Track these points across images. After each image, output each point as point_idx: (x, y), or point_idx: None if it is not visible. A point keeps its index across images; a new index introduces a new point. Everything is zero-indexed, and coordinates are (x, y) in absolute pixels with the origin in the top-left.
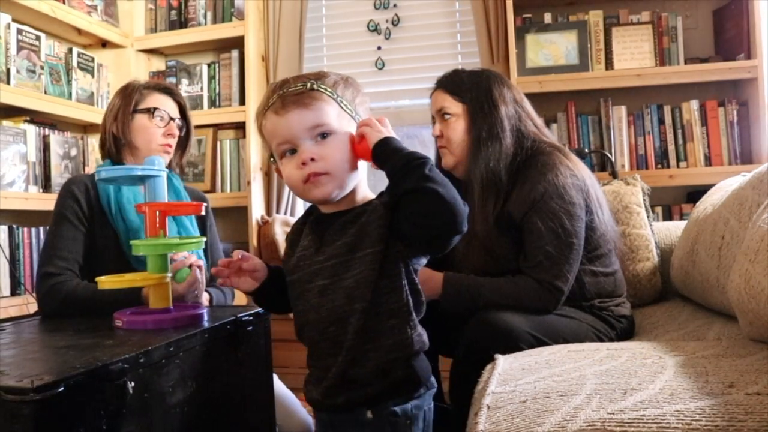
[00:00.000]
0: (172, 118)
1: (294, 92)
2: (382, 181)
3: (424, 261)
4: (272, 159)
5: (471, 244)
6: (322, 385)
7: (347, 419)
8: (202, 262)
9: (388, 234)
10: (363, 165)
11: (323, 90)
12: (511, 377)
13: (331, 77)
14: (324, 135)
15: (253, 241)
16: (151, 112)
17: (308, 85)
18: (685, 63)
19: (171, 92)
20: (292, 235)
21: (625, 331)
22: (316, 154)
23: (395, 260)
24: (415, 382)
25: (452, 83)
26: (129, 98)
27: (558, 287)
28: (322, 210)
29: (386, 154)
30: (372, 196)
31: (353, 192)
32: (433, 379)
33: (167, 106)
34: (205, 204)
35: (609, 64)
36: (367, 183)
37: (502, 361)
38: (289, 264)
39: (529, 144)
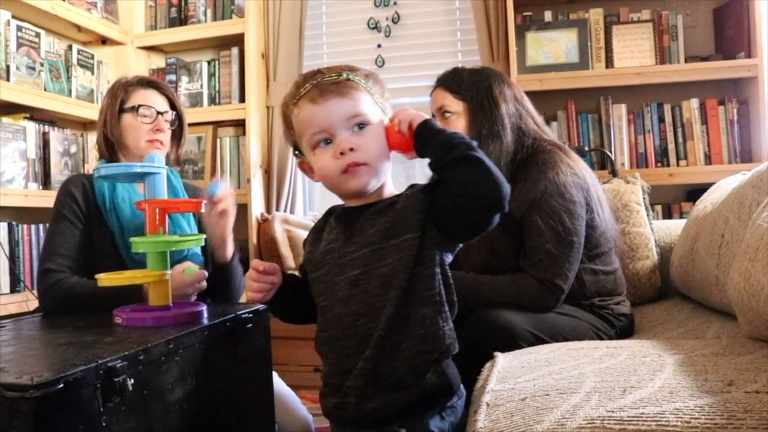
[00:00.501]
0: (160, 113)
1: (330, 81)
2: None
3: (451, 257)
4: (297, 153)
5: (471, 242)
6: (345, 390)
7: None
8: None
9: (426, 220)
10: (392, 158)
11: (358, 81)
12: (510, 375)
13: (362, 71)
14: (361, 125)
15: (253, 238)
16: (135, 110)
17: (344, 75)
18: (686, 61)
19: (157, 86)
20: (314, 233)
21: (624, 330)
22: (355, 144)
23: (430, 247)
24: (447, 390)
25: (452, 81)
26: (114, 98)
27: (558, 285)
28: (348, 204)
29: (431, 134)
30: (396, 191)
31: (382, 186)
32: (462, 386)
33: (154, 101)
34: (204, 201)
35: (609, 62)
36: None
37: (502, 359)
38: (313, 260)
39: (529, 142)
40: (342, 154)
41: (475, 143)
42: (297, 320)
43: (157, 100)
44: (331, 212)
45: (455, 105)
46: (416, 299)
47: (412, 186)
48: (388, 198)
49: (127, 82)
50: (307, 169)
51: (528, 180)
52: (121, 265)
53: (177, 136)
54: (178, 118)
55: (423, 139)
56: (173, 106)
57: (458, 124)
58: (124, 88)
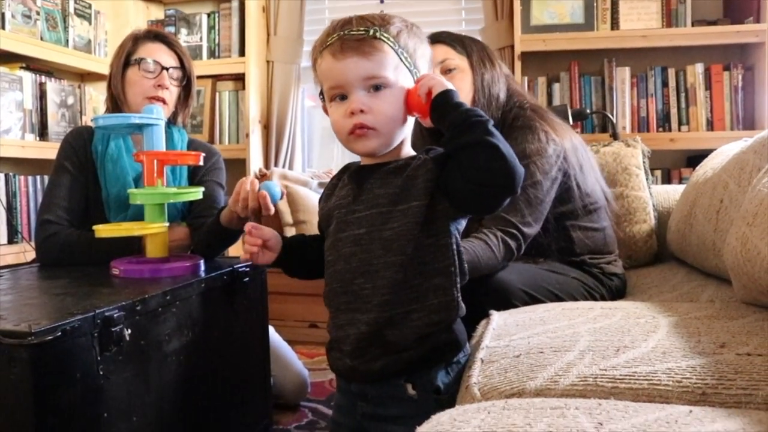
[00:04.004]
0: (165, 68)
1: (355, 37)
2: None
3: (464, 223)
4: (321, 96)
5: None
6: (350, 347)
7: (384, 392)
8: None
9: (435, 189)
10: (410, 120)
11: (385, 39)
12: (505, 332)
13: (395, 25)
14: (378, 87)
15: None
16: (139, 63)
17: (371, 31)
18: (692, 25)
19: (166, 40)
20: (327, 190)
21: (617, 290)
22: (366, 106)
23: (442, 219)
24: (454, 345)
25: (451, 37)
26: (122, 50)
27: (522, 232)
28: (363, 162)
29: (448, 107)
30: (413, 152)
31: (399, 146)
32: (468, 345)
33: (160, 55)
34: (203, 154)
35: (615, 23)
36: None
37: (497, 317)
38: (324, 215)
39: (515, 101)
40: (353, 114)
41: (491, 123)
42: (309, 277)
43: (163, 55)
44: (347, 169)
45: (459, 59)
46: (430, 269)
47: (427, 150)
48: (403, 159)
49: (136, 35)
50: (327, 113)
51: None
52: (107, 219)
53: (184, 96)
54: (187, 77)
55: (440, 110)
56: (183, 64)
57: (465, 77)
58: (133, 39)
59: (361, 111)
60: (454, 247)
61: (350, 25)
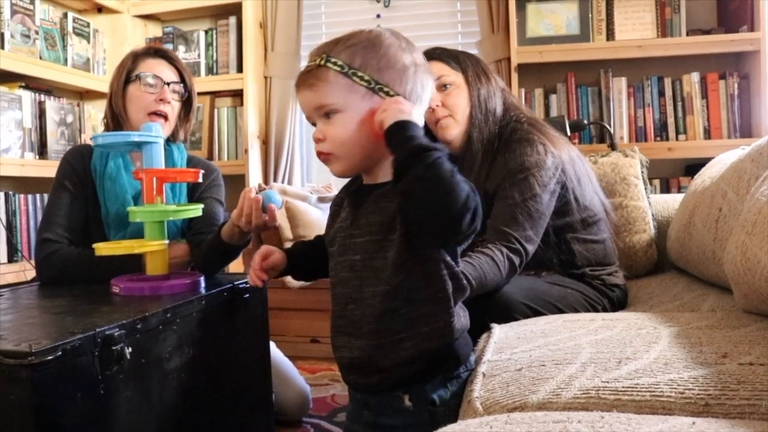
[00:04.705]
0: (166, 83)
1: (305, 70)
2: None
3: (460, 248)
4: None
5: None
6: (346, 367)
7: (384, 402)
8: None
9: None
10: None
11: (331, 66)
12: (506, 346)
13: (348, 46)
14: (328, 114)
15: None
16: (139, 78)
17: (318, 61)
18: (687, 35)
19: (166, 56)
20: (334, 207)
21: (618, 301)
22: (322, 134)
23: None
24: (454, 360)
25: (446, 53)
26: (122, 67)
27: (525, 248)
28: (364, 181)
29: (395, 141)
30: None
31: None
32: (473, 358)
33: (160, 70)
34: (202, 171)
35: (610, 34)
36: None
37: (498, 330)
38: (328, 235)
39: (512, 115)
40: (316, 141)
41: (436, 158)
42: (316, 278)
43: (164, 71)
44: (351, 184)
45: (454, 75)
46: (418, 298)
47: None
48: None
49: (136, 52)
50: None
51: (505, 158)
52: (106, 237)
53: (185, 112)
54: (187, 93)
55: (390, 145)
56: (184, 79)
57: (461, 93)
58: (133, 57)
59: (318, 139)
60: (444, 272)
61: (310, 56)
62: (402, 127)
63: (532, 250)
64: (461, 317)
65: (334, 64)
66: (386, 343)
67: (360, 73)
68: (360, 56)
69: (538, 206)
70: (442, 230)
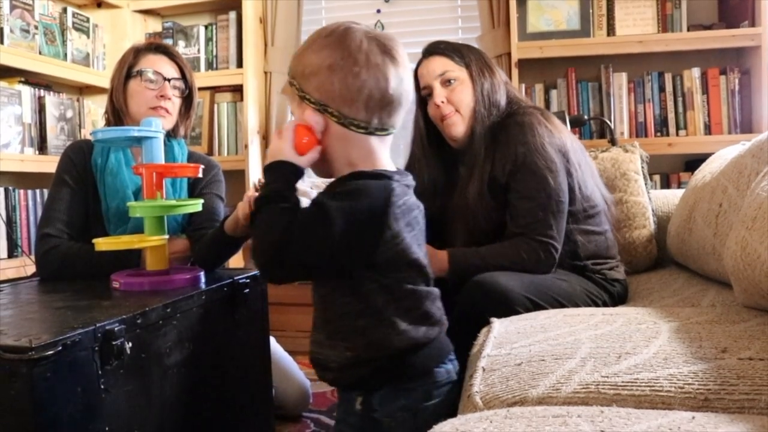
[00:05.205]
0: (167, 79)
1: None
2: None
3: (407, 268)
4: None
5: (456, 216)
6: (311, 359)
7: (344, 400)
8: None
9: None
10: (336, 148)
11: (289, 79)
12: (506, 340)
13: (300, 64)
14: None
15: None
16: (141, 74)
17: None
18: (688, 30)
19: (167, 51)
20: None
21: (618, 296)
22: None
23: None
24: (405, 374)
25: (449, 48)
26: (123, 63)
27: (553, 245)
28: None
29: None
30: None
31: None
32: (444, 370)
33: (161, 66)
34: (202, 166)
35: (611, 29)
36: (368, 159)
37: (498, 325)
38: None
39: (514, 107)
40: None
41: (267, 200)
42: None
43: (165, 67)
44: None
45: (458, 70)
46: (349, 311)
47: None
48: None
49: (137, 47)
50: None
51: (508, 143)
52: (106, 232)
53: (186, 108)
54: (188, 89)
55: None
56: (184, 75)
57: (466, 88)
58: (134, 52)
59: None
60: (372, 285)
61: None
62: (271, 166)
63: (561, 242)
64: (413, 330)
65: (291, 78)
66: (325, 349)
67: (297, 84)
68: (300, 66)
69: (560, 198)
70: (259, 264)
